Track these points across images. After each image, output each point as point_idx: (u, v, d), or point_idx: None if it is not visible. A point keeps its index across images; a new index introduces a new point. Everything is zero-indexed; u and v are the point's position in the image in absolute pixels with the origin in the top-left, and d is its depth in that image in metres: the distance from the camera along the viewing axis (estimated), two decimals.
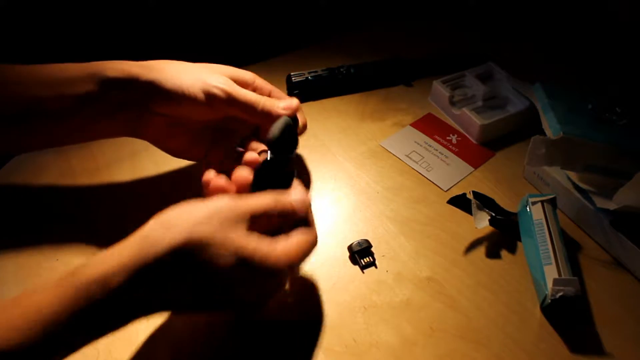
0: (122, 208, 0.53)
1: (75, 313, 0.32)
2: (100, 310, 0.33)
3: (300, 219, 0.40)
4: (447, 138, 0.62)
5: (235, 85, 0.48)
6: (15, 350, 0.31)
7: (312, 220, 0.42)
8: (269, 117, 0.48)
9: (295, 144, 0.48)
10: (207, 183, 0.43)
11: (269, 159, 0.44)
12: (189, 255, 0.34)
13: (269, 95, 0.52)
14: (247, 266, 0.36)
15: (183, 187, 0.53)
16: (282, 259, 0.37)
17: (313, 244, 0.40)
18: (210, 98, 0.46)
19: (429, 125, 0.64)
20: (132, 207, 0.53)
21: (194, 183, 0.51)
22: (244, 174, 0.43)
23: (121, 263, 0.34)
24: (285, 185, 0.42)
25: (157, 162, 0.57)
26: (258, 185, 0.42)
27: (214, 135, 0.52)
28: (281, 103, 0.49)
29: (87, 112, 0.45)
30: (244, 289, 0.37)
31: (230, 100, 0.47)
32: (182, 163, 0.57)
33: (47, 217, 0.52)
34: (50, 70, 0.45)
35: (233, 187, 0.43)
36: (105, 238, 0.51)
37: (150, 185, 0.55)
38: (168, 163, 0.56)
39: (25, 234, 0.51)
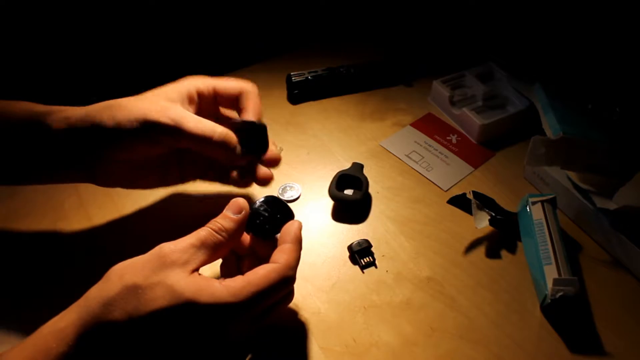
0: (121, 208, 0.53)
1: None
2: None
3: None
4: (447, 138, 0.62)
5: (185, 115, 0.43)
6: None
7: (287, 257, 0.39)
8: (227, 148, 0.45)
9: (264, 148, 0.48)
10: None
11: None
12: (126, 302, 0.33)
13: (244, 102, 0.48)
14: (191, 308, 0.34)
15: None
16: (240, 294, 0.35)
17: (281, 274, 0.37)
18: (154, 138, 0.42)
19: (429, 125, 0.64)
20: (131, 207, 0.53)
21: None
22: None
23: (59, 329, 0.33)
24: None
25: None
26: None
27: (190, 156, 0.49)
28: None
29: (32, 166, 0.44)
30: (201, 333, 0.35)
31: (177, 136, 0.42)
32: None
33: (48, 217, 0.52)
34: None
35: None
36: (104, 238, 0.51)
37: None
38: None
39: (26, 233, 0.51)
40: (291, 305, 0.46)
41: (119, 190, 0.51)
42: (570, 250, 0.48)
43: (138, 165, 0.46)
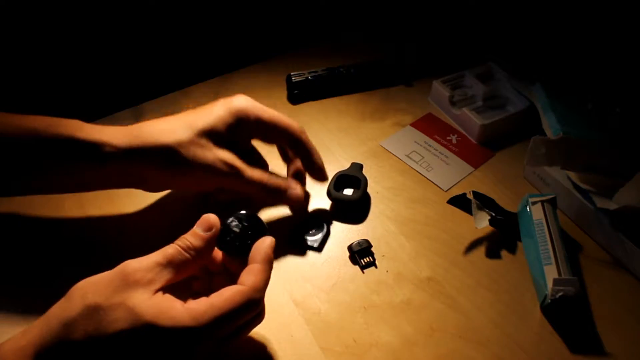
0: (121, 209, 0.53)
1: None
2: None
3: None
4: (447, 138, 0.62)
5: (241, 164, 0.47)
6: None
7: (254, 279, 0.38)
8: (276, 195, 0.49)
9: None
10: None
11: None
12: (87, 323, 0.33)
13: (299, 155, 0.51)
14: (151, 330, 0.33)
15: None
16: (201, 318, 0.34)
17: (246, 296, 0.36)
18: (212, 176, 0.46)
19: (429, 125, 0.64)
20: (131, 207, 0.53)
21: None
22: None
23: (20, 347, 0.33)
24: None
25: None
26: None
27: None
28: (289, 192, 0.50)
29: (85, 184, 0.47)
30: (162, 355, 0.34)
31: (234, 180, 0.46)
32: None
33: (48, 217, 0.52)
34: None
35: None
36: (105, 237, 0.51)
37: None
38: None
39: (25, 233, 0.51)
40: (290, 305, 0.46)
41: (119, 190, 0.51)
42: (570, 250, 0.48)
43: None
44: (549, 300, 0.43)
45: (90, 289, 0.34)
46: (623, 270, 0.49)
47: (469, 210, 0.52)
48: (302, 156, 0.50)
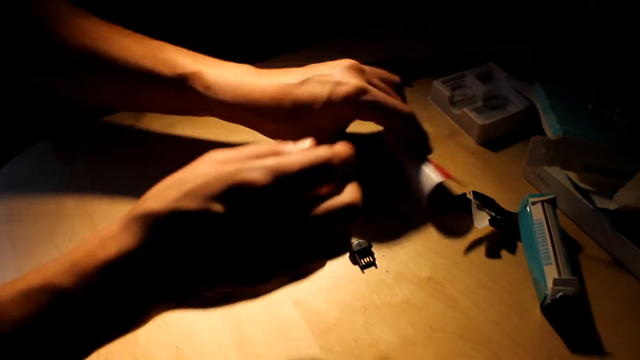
0: (122, 208, 0.53)
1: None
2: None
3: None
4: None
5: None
6: None
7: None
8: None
9: None
10: None
11: None
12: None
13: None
14: (286, 180, 0.31)
15: None
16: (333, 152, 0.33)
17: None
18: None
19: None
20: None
21: None
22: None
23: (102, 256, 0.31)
24: None
25: (157, 161, 0.57)
26: None
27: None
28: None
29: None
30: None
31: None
32: (187, 161, 0.56)
33: (48, 217, 0.52)
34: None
35: None
36: None
37: (150, 185, 0.55)
38: (169, 162, 0.56)
39: (26, 233, 0.51)
40: (290, 305, 0.46)
41: (120, 190, 0.51)
42: (570, 250, 0.48)
43: None
44: (549, 300, 0.43)
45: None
46: (623, 270, 0.49)
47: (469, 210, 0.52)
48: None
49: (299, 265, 0.33)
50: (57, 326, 0.30)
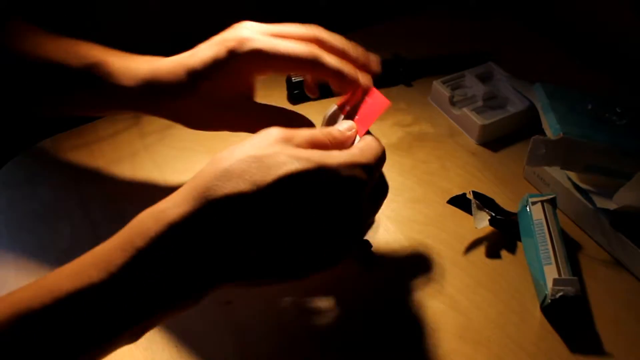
0: (122, 208, 0.53)
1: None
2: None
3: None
4: None
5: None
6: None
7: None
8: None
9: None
10: None
11: None
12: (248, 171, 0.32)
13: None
14: (323, 170, 0.33)
15: None
16: (364, 151, 0.36)
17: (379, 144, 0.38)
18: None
19: None
20: (131, 207, 0.53)
21: None
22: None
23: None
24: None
25: (157, 162, 0.57)
26: None
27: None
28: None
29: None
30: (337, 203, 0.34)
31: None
32: (184, 162, 0.57)
33: (48, 217, 0.52)
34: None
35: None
36: (106, 238, 0.51)
37: (150, 185, 0.55)
38: (168, 162, 0.56)
39: (26, 233, 0.51)
40: (290, 306, 0.46)
41: (120, 191, 0.51)
42: (570, 250, 0.48)
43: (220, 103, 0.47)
44: (549, 300, 0.43)
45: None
46: (623, 270, 0.49)
47: (469, 210, 0.52)
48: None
49: (350, 252, 0.36)
50: (135, 283, 0.32)
